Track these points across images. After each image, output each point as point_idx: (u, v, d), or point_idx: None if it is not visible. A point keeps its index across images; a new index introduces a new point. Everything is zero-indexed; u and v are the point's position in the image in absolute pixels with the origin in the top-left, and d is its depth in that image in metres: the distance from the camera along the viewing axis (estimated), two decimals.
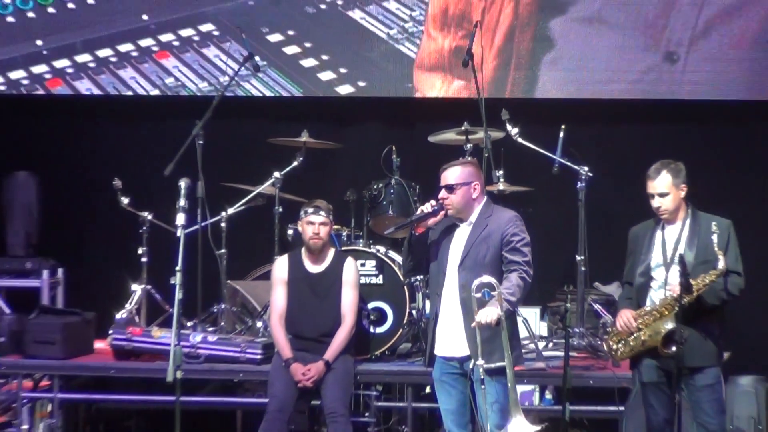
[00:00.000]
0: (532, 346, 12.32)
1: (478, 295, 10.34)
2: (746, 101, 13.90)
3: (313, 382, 11.80)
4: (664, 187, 10.63)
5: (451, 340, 10.67)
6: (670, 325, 10.43)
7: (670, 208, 10.65)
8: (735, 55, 13.94)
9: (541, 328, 13.00)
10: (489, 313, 10.25)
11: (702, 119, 13.88)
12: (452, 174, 10.66)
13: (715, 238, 10.49)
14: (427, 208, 10.60)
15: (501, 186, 12.45)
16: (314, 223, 11.96)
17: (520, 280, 10.51)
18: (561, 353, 11.45)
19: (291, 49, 14.24)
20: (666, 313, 10.52)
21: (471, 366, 10.42)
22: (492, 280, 10.30)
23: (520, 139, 12.54)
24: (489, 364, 10.37)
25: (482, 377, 10.40)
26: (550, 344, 12.75)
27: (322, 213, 12.00)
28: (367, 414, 12.39)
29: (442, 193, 10.64)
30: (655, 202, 10.65)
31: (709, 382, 10.69)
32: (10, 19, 14.32)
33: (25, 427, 12.86)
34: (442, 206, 10.59)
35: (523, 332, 11.65)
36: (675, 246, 10.65)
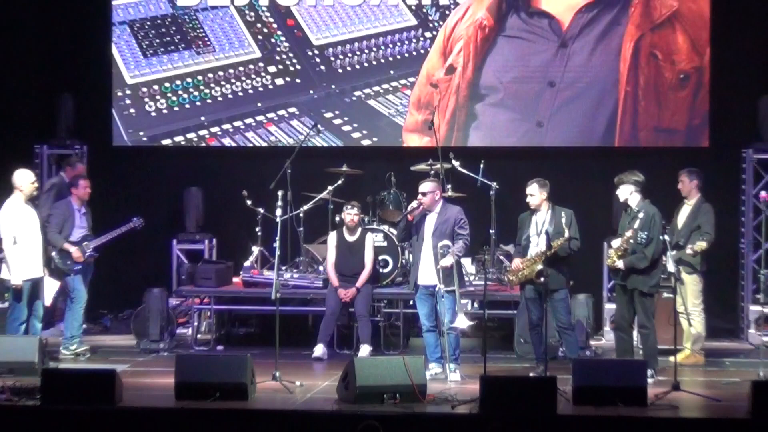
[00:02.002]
0: (467, 279, 12.30)
1: (441, 251, 10.54)
2: (580, 147, 13.72)
3: (349, 298, 11.91)
4: (535, 192, 10.76)
5: (427, 275, 10.79)
6: (540, 267, 10.60)
7: (538, 203, 10.80)
8: (575, 121, 13.68)
9: (471, 269, 12.85)
10: (447, 261, 10.59)
11: (557, 158, 13.69)
12: (425, 187, 10.90)
13: (563, 219, 10.65)
14: (414, 205, 10.85)
15: (450, 193, 12.32)
16: (351, 214, 12.10)
17: (464, 245, 10.78)
18: (482, 282, 11.39)
19: (337, 121, 14.02)
20: (538, 260, 10.67)
21: (437, 289, 10.59)
22: (449, 243, 10.66)
23: (459, 168, 12.47)
24: (447, 288, 10.55)
25: (442, 295, 10.56)
26: (476, 278, 12.64)
27: (355, 209, 12.14)
28: (378, 315, 12.32)
29: (420, 197, 10.84)
30: (530, 200, 10.78)
31: (562, 297, 10.91)
32: (187, 106, 14.13)
33: (195, 324, 12.81)
34: (420, 204, 10.77)
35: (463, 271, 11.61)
36: (542, 224, 10.78)
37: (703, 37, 13.48)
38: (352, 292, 11.92)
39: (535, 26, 13.65)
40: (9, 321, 11.16)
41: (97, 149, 14.20)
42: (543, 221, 10.78)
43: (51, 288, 11.65)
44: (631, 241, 10.56)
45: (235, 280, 12.96)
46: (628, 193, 10.74)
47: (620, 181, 10.79)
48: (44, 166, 13.98)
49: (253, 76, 14.05)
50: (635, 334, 11.05)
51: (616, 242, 10.75)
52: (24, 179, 11.27)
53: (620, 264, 10.65)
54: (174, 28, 14.15)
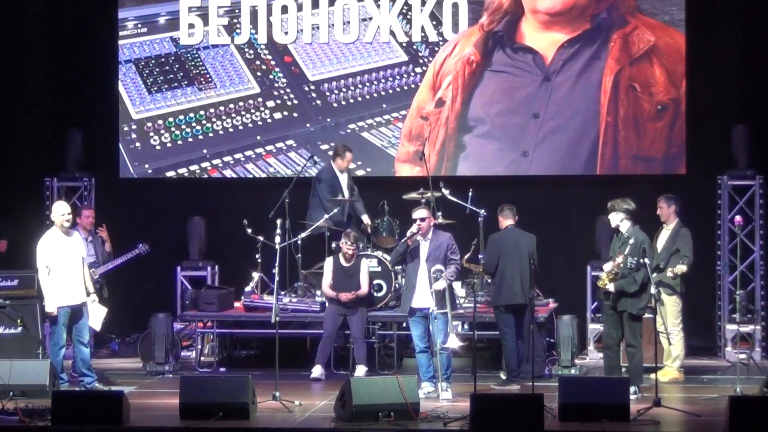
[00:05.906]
0: (458, 301, 12.18)
1: (434, 275, 10.55)
2: (564, 175, 13.72)
3: (348, 299, 11.85)
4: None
5: (422, 298, 10.79)
6: None
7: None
8: (557, 151, 13.68)
9: (462, 293, 12.75)
10: (440, 285, 10.63)
11: (542, 186, 13.68)
12: (422, 213, 10.91)
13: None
14: (414, 230, 10.82)
15: (440, 220, 12.22)
16: (345, 244, 12.03)
17: (456, 269, 10.84)
18: (471, 305, 11.34)
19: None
20: None
21: (431, 311, 10.60)
22: (442, 267, 10.67)
23: (449, 196, 12.46)
24: (439, 310, 10.56)
25: (435, 316, 10.56)
26: (466, 300, 12.55)
27: (350, 240, 12.04)
28: (373, 337, 12.26)
29: (418, 222, 10.84)
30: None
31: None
32: (190, 139, 14.16)
33: (199, 347, 12.82)
34: (419, 229, 10.78)
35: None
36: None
37: (680, 70, 13.54)
38: (350, 295, 11.85)
39: (519, 61, 13.71)
40: (50, 346, 11.14)
41: (104, 181, 14.20)
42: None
43: (99, 314, 11.64)
44: (621, 266, 10.61)
45: (237, 304, 12.91)
46: (618, 220, 10.86)
47: (612, 207, 10.88)
48: (54, 198, 13.90)
49: (253, 110, 14.09)
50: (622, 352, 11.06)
51: (607, 266, 10.82)
52: (55, 212, 11.21)
53: (611, 287, 10.69)
54: (177, 65, 14.21)
